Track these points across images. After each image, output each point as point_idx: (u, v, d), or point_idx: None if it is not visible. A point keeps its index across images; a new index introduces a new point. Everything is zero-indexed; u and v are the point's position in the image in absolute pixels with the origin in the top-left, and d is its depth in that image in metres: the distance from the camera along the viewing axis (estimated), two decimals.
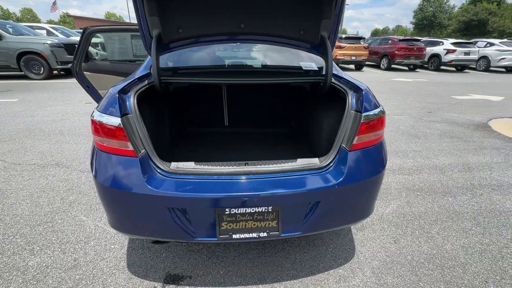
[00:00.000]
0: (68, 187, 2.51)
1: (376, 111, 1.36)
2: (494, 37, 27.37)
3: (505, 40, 14.40)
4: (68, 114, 4.78)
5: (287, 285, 1.57)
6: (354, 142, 1.32)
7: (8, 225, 2.00)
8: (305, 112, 2.23)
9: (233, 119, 2.56)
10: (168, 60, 1.85)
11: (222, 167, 1.32)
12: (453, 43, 13.06)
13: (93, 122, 1.29)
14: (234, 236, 1.30)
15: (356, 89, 1.42)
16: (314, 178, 1.31)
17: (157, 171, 1.27)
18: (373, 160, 1.38)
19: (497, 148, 3.66)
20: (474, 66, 13.76)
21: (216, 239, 1.30)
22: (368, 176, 1.34)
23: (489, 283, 1.60)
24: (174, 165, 1.33)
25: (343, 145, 1.36)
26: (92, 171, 1.33)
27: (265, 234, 1.31)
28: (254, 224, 1.30)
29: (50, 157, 3.12)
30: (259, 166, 1.34)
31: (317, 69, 1.78)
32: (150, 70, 1.61)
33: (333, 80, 1.54)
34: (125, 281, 1.57)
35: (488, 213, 2.26)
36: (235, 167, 1.33)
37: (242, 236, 1.30)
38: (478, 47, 13.37)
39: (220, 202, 1.24)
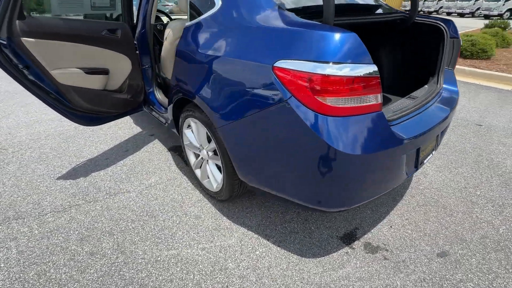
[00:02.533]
0: (77, 237, 1.53)
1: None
2: None
3: None
4: None
5: (417, 200, 1.92)
6: (456, 62, 1.70)
7: None
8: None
9: None
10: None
11: (407, 101, 1.36)
12: None
13: (337, 79, 0.93)
14: (424, 161, 1.45)
15: (444, 20, 1.74)
16: (448, 98, 1.62)
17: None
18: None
19: None
20: None
21: (416, 169, 1.40)
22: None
23: (482, 158, 2.63)
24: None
25: (446, 67, 1.70)
26: (333, 145, 0.99)
27: (432, 153, 1.55)
28: (431, 147, 1.50)
29: None
30: (419, 97, 1.48)
31: (388, 7, 1.91)
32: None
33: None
34: (319, 265, 1.38)
35: None
36: (411, 99, 1.41)
37: (426, 159, 1.47)
38: None
39: (430, 134, 1.33)
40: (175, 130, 2.09)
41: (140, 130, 2.78)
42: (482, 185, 2.02)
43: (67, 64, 1.68)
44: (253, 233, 1.59)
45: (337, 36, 0.95)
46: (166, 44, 2.28)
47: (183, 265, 1.40)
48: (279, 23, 1.11)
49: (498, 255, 1.47)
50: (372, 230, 1.62)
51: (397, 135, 1.14)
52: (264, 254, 1.47)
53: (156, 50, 2.37)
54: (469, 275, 1.36)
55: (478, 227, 1.65)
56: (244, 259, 1.43)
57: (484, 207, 1.81)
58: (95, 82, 1.85)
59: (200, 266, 1.40)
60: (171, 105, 1.80)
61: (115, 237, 1.56)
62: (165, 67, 2.46)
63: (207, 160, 1.73)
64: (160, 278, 1.33)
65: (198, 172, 1.90)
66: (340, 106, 0.99)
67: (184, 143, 1.91)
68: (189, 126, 1.79)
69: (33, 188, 1.94)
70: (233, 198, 1.72)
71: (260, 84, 1.10)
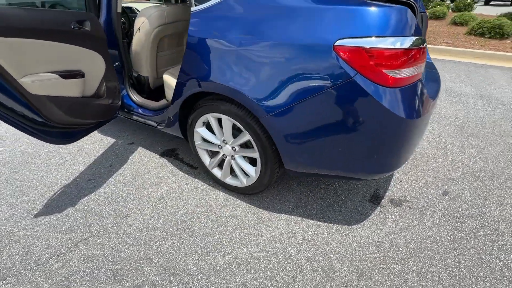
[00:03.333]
0: (107, 274, 1.27)
1: None
2: None
3: None
4: None
5: None
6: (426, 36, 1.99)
7: None
8: None
9: None
10: None
11: None
12: None
13: (400, 52, 1.02)
14: None
15: None
16: (430, 64, 1.90)
17: None
18: None
19: None
20: None
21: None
22: None
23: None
24: None
25: None
26: (399, 114, 1.09)
27: None
28: None
29: None
30: None
31: None
32: None
33: None
34: (366, 228, 1.52)
35: None
36: None
37: None
38: None
39: (438, 95, 1.56)
40: (172, 132, 1.88)
41: (113, 140, 2.38)
42: (443, 134, 2.50)
43: (38, 68, 1.29)
44: (296, 216, 1.62)
45: (395, 11, 1.02)
46: (140, 36, 1.98)
47: (248, 266, 1.33)
48: (322, 1, 1.11)
49: (478, 184, 1.88)
50: (389, 188, 1.85)
51: (430, 97, 1.32)
52: (316, 232, 1.52)
53: (125, 44, 2.03)
54: (469, 204, 1.71)
55: (456, 166, 2.06)
56: (302, 242, 1.46)
57: (452, 150, 2.25)
58: (73, 88, 1.49)
59: (265, 261, 1.36)
60: (178, 102, 1.61)
61: (154, 261, 1.36)
62: (138, 63, 2.14)
63: (232, 156, 1.63)
64: (231, 286, 1.25)
65: (216, 171, 1.78)
66: (402, 77, 1.08)
67: (196, 143, 1.75)
68: (204, 123, 1.64)
69: (6, 236, 1.49)
70: (268, 188, 1.69)
71: (319, 65, 1.09)
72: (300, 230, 1.53)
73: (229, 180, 1.73)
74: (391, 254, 1.40)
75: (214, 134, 1.66)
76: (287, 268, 1.33)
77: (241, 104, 1.38)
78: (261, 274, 1.30)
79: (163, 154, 2.19)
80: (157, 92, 2.42)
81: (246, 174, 1.67)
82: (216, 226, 1.55)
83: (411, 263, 1.35)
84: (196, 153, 1.81)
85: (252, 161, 1.64)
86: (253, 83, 1.25)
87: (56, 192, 1.81)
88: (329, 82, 1.10)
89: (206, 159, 1.79)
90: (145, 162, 2.10)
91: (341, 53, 1.05)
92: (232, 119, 1.46)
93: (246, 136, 1.47)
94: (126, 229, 1.54)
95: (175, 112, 1.69)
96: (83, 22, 1.55)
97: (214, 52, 1.33)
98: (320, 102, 1.15)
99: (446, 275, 1.29)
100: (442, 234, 1.50)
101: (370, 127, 1.14)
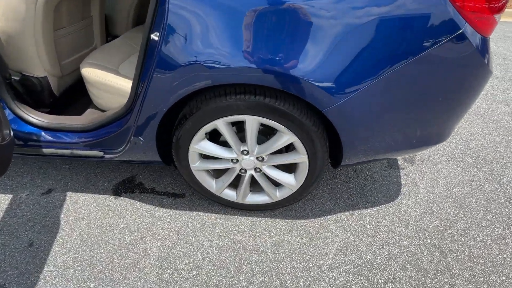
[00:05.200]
0: None
1: None
2: None
3: None
4: None
5: None
6: None
7: None
8: None
9: None
10: None
11: None
12: None
13: None
14: None
15: None
16: None
17: None
18: None
19: None
20: None
21: None
22: None
23: None
24: None
25: None
26: (490, 68, 0.91)
27: None
28: None
29: None
30: None
31: None
32: None
33: None
34: (408, 197, 1.43)
35: None
36: None
37: None
38: None
39: None
40: (138, 157, 1.19)
41: (8, 196, 1.36)
42: None
43: None
44: (342, 213, 1.36)
45: None
46: (14, 3, 1.05)
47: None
48: None
49: None
50: None
51: None
52: (372, 222, 1.32)
53: None
54: (454, 142, 1.88)
55: None
56: (370, 241, 1.23)
57: None
58: None
59: (353, 286, 1.07)
60: (157, 108, 0.95)
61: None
62: (20, 55, 1.21)
63: (256, 169, 1.16)
64: None
65: (229, 192, 1.26)
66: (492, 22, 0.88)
67: (192, 165, 1.15)
68: (206, 134, 1.06)
69: None
70: None
71: (419, 18, 0.75)
72: (357, 227, 1.30)
73: (251, 199, 1.27)
74: (445, 215, 1.37)
75: (223, 145, 1.13)
76: (380, 280, 1.10)
77: (282, 93, 0.92)
78: None
79: (118, 192, 1.43)
80: (64, 99, 1.51)
81: (275, 185, 1.25)
82: (267, 268, 1.12)
83: (464, 217, 1.36)
84: (192, 179, 1.22)
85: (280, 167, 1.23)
86: (317, 60, 0.80)
87: None
88: (430, 40, 0.79)
89: (210, 183, 1.23)
90: (94, 214, 1.31)
91: None
92: (264, 119, 0.97)
93: (285, 138, 1.02)
94: None
95: (151, 125, 1.02)
96: None
97: (241, 15, 0.77)
98: (414, 70, 0.83)
99: (491, 216, 1.37)
100: (460, 177, 1.59)
101: (464, 88, 0.93)
